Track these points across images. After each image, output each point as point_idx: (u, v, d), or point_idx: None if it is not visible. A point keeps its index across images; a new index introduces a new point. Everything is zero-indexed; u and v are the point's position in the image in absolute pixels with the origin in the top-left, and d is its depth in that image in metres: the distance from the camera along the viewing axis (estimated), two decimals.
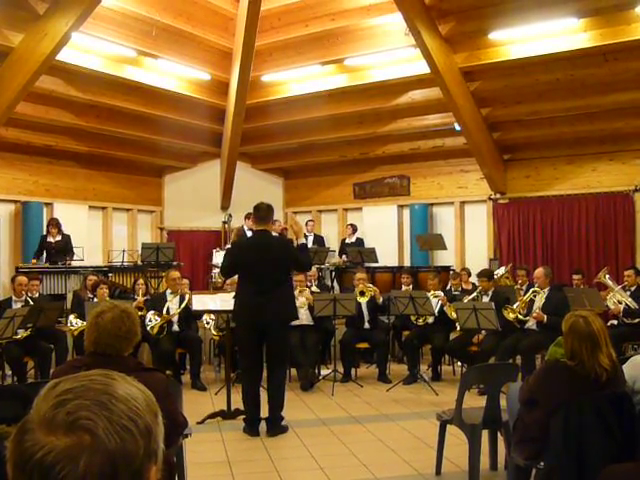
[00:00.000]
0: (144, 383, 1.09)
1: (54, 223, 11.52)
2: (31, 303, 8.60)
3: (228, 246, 9.06)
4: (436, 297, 9.31)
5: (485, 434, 5.12)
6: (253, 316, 6.35)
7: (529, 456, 3.96)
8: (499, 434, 5.19)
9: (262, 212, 6.61)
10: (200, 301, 8.59)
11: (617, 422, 3.69)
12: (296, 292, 9.28)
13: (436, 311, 9.17)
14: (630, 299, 9.09)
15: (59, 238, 11.46)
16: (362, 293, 9.29)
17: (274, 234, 13.29)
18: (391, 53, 11.74)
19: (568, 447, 3.65)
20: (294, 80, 13.08)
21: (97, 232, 13.68)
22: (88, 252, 11.86)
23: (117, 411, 0.99)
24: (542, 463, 3.86)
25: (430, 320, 9.24)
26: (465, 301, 8.83)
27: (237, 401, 6.84)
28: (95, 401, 0.98)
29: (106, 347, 3.08)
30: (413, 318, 9.31)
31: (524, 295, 8.83)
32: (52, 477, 0.92)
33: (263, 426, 6.41)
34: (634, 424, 3.73)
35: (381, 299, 9.44)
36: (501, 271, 11.01)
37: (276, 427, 6.40)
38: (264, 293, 6.30)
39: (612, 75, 10.61)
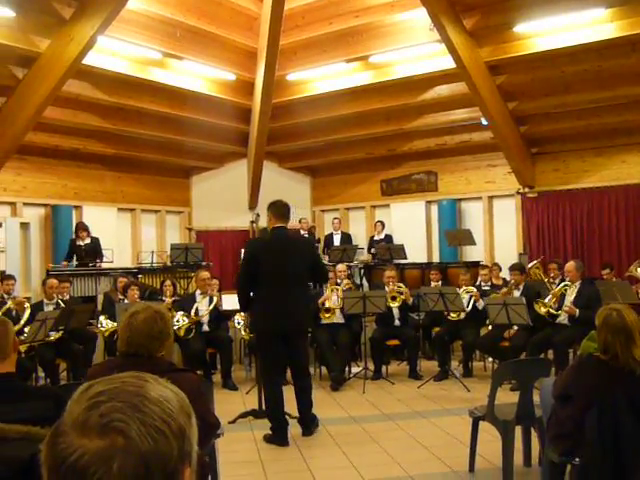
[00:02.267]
0: (176, 384, 1.09)
1: (82, 227, 11.64)
2: (62, 305, 8.70)
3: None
4: (468, 292, 9.26)
5: (518, 430, 5.08)
6: (276, 324, 6.08)
7: (564, 452, 3.91)
8: (532, 430, 5.15)
9: (280, 208, 6.29)
10: (230, 301, 8.64)
11: None
12: (327, 291, 9.32)
13: (468, 307, 9.12)
14: None
15: (88, 241, 11.57)
16: (394, 298, 9.26)
17: (302, 232, 13.52)
18: (416, 49, 11.68)
19: (603, 442, 3.61)
20: (319, 78, 13.07)
21: (126, 234, 13.80)
22: (117, 254, 11.97)
23: (150, 413, 0.98)
24: (577, 459, 3.82)
25: (462, 315, 9.18)
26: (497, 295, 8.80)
27: (252, 401, 6.87)
28: (128, 403, 0.98)
29: (138, 347, 3.10)
30: (445, 313, 9.24)
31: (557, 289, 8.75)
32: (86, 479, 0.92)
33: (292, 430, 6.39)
34: None
35: (411, 300, 9.37)
36: (532, 262, 10.90)
37: (312, 425, 6.37)
38: (286, 298, 6.06)
39: None
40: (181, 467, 1.00)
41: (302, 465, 5.43)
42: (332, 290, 9.33)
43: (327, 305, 9.22)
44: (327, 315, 9.18)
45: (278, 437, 6.07)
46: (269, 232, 6.39)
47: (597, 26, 9.99)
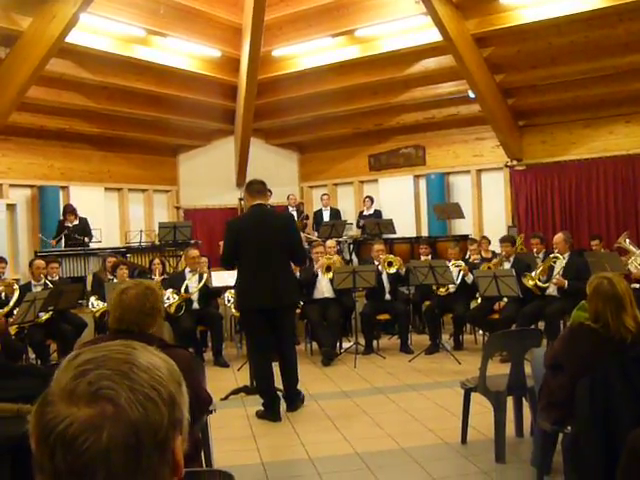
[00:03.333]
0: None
1: (70, 210, 11.54)
2: (50, 286, 8.66)
3: None
4: (457, 267, 9.27)
5: (510, 401, 5.10)
6: (260, 300, 6.07)
7: (556, 421, 3.93)
8: (524, 400, 5.18)
9: (255, 185, 6.28)
10: (219, 277, 8.64)
11: None
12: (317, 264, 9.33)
13: (457, 280, 9.13)
14: None
15: (76, 222, 11.49)
16: (390, 264, 9.26)
17: (290, 208, 13.50)
18: (402, 22, 11.59)
19: (595, 411, 3.62)
20: (305, 53, 12.98)
21: (114, 213, 13.74)
22: (106, 234, 11.92)
23: (139, 380, 0.96)
24: (569, 428, 3.84)
25: (451, 289, 9.19)
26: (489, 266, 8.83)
27: (243, 378, 6.88)
28: (116, 370, 0.96)
29: (130, 324, 3.09)
30: (434, 288, 9.25)
31: (542, 262, 8.78)
32: (75, 449, 0.90)
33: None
34: None
35: (404, 269, 9.39)
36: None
37: (296, 401, 6.37)
38: (269, 274, 6.04)
39: (627, 35, 10.42)
40: (172, 435, 0.99)
41: (295, 439, 5.45)
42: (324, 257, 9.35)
43: (326, 264, 9.21)
44: (329, 274, 9.17)
45: (270, 412, 6.08)
46: (249, 210, 6.37)
47: None
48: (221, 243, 6.92)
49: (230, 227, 6.40)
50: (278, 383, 6.33)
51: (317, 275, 9.27)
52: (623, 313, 3.72)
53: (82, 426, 0.91)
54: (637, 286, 9.17)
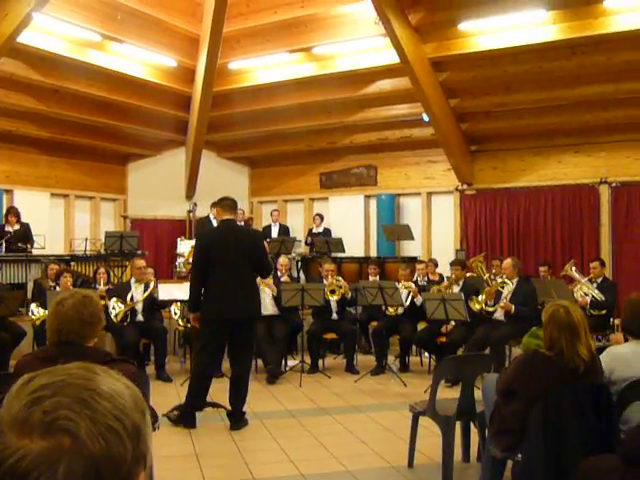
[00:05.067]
0: None
1: (13, 212, 11.20)
2: None
3: (193, 243, 8.53)
4: (407, 288, 9.26)
5: (457, 425, 5.06)
6: (223, 313, 6.15)
7: (506, 448, 3.90)
8: (472, 425, 5.15)
9: (228, 201, 6.47)
10: (167, 291, 8.48)
11: (595, 413, 3.66)
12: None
13: (406, 302, 9.12)
14: (597, 291, 9.16)
15: (17, 227, 11.15)
16: (332, 292, 9.20)
17: (240, 224, 13.38)
18: (360, 42, 11.60)
19: (546, 438, 3.61)
20: (261, 68, 12.90)
21: (59, 220, 13.38)
22: (50, 241, 11.58)
23: (101, 410, 0.86)
24: (519, 455, 3.81)
25: (400, 310, 9.17)
26: (439, 289, 8.84)
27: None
28: (76, 398, 0.86)
29: (69, 334, 2.95)
30: (383, 308, 9.21)
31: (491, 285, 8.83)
32: None
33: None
34: (611, 415, 3.70)
35: (349, 294, 9.34)
36: (475, 257, 10.93)
37: (241, 421, 6.30)
38: (235, 287, 6.15)
39: (579, 68, 10.64)
40: (135, 470, 0.89)
41: (239, 459, 5.31)
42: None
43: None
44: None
45: (188, 419, 6.18)
46: (219, 224, 6.54)
47: (539, 28, 10.12)
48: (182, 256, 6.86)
49: (200, 241, 6.53)
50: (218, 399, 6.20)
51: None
52: (577, 342, 3.72)
53: (36, 460, 0.80)
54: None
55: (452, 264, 9.45)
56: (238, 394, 6.32)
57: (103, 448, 0.83)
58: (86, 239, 11.58)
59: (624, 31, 9.56)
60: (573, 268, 9.59)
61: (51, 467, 0.80)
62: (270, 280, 9.12)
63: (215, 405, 6.70)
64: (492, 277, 9.36)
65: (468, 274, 9.83)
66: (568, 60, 10.50)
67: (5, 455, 0.81)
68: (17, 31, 9.36)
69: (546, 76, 10.95)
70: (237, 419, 6.27)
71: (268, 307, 9.14)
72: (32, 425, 0.83)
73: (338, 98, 12.84)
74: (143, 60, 12.26)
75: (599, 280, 9.42)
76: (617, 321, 9.12)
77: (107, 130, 13.34)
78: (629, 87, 10.52)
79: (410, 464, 5.14)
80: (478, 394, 5.05)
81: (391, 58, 11.11)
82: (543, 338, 3.86)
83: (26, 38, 9.98)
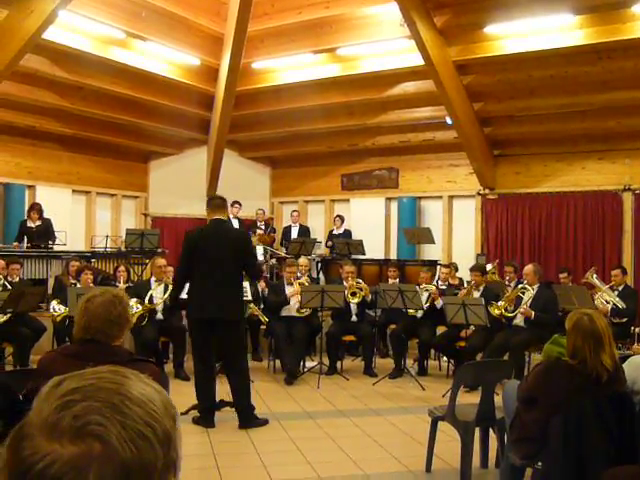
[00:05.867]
0: None
1: (37, 208, 11.30)
2: (9, 287, 8.41)
3: None
4: (427, 291, 9.21)
5: (476, 431, 5.02)
6: (203, 311, 6.23)
7: (526, 455, 3.87)
8: (491, 431, 5.11)
9: (216, 201, 6.55)
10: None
11: (617, 423, 3.61)
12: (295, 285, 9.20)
13: (425, 305, 9.07)
14: (618, 299, 9.07)
15: (39, 223, 11.23)
16: (353, 294, 9.17)
17: (258, 223, 13.41)
18: (384, 44, 11.57)
19: (567, 447, 3.56)
20: (285, 68, 12.90)
21: (80, 217, 13.47)
22: (71, 237, 11.64)
23: (132, 415, 0.85)
24: (539, 463, 3.77)
25: (419, 313, 9.13)
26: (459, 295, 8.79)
27: (222, 392, 6.72)
28: (107, 403, 0.85)
29: (96, 333, 2.94)
30: (404, 310, 9.15)
31: (511, 291, 8.78)
32: None
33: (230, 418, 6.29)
34: (634, 425, 3.65)
35: (370, 297, 9.30)
36: (488, 267, 10.88)
37: (248, 417, 6.30)
38: (215, 287, 6.17)
39: (605, 74, 10.52)
40: (166, 477, 0.87)
41: (257, 460, 5.30)
42: (299, 285, 9.18)
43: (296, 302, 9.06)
44: (303, 311, 9.03)
45: (204, 419, 6.26)
46: (208, 223, 6.57)
47: (566, 32, 10.04)
48: None
49: (187, 239, 6.51)
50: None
51: (288, 302, 9.14)
52: (601, 351, 3.67)
53: (65, 466, 0.79)
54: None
55: (472, 270, 9.38)
56: (235, 392, 6.38)
57: (134, 454, 0.82)
58: (107, 236, 11.63)
59: None
60: (594, 275, 9.51)
61: (81, 473, 0.79)
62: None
63: (231, 404, 6.71)
64: (507, 283, 9.32)
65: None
66: (594, 65, 10.40)
67: (34, 460, 0.80)
68: (42, 28, 9.40)
69: (571, 81, 10.85)
70: (242, 415, 6.30)
71: (291, 309, 9.14)
72: (62, 430, 0.82)
73: (361, 99, 12.81)
74: (167, 58, 12.29)
75: (620, 288, 9.33)
76: (638, 329, 9.02)
77: (130, 128, 13.41)
78: None
79: (428, 469, 5.10)
80: (497, 400, 5.02)
81: (415, 60, 11.06)
82: (566, 346, 3.81)
83: (51, 35, 10.03)
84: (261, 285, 9.72)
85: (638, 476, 3.12)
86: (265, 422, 6.39)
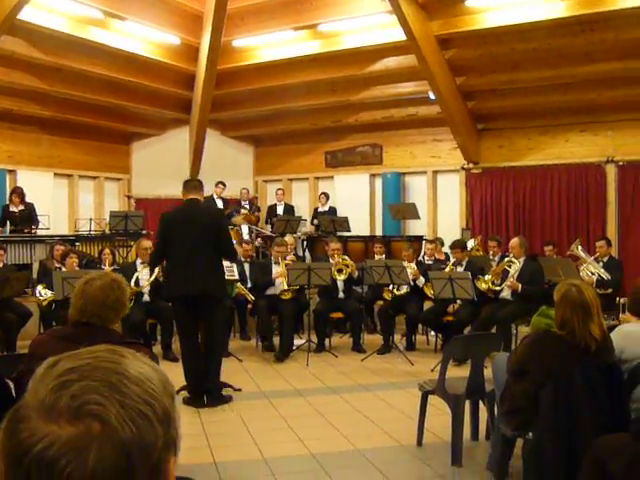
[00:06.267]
0: None
1: (18, 192, 11.19)
2: None
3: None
4: (408, 269, 9.21)
5: (466, 404, 5.05)
6: (182, 289, 6.31)
7: (517, 427, 3.89)
8: (481, 404, 5.14)
9: (192, 182, 6.77)
10: None
11: (606, 392, 3.64)
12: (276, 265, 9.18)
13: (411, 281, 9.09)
14: (602, 270, 9.13)
15: (22, 207, 11.13)
16: (340, 271, 9.17)
17: (242, 202, 13.38)
18: (366, 19, 11.48)
19: (558, 417, 3.59)
20: (266, 45, 12.79)
21: (63, 200, 13.37)
22: (54, 221, 11.55)
23: (131, 394, 0.83)
24: (530, 434, 3.80)
25: (405, 290, 9.14)
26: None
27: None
28: (105, 382, 0.83)
29: (92, 316, 2.92)
30: (387, 294, 9.16)
31: (497, 265, 8.82)
32: (55, 473, 0.77)
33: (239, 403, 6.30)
34: (623, 394, 3.68)
35: (357, 273, 9.31)
36: (470, 243, 10.90)
37: (214, 397, 6.38)
38: (192, 265, 6.24)
39: (588, 45, 10.50)
40: (166, 457, 0.86)
41: (248, 439, 5.32)
42: (285, 265, 9.16)
43: (283, 284, 9.03)
44: (287, 294, 9.01)
45: (194, 399, 6.32)
46: (184, 203, 6.62)
47: (548, 4, 10.00)
48: None
49: (162, 219, 6.59)
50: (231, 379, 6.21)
51: (273, 284, 9.13)
52: (590, 321, 3.69)
53: (64, 447, 0.77)
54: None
55: (452, 247, 9.38)
56: (209, 371, 6.41)
57: (134, 434, 0.81)
58: (90, 219, 11.55)
59: (633, 7, 9.42)
60: (579, 247, 9.56)
61: (81, 454, 0.78)
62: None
63: (231, 386, 6.75)
64: (492, 258, 9.37)
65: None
66: (576, 37, 10.38)
67: (32, 441, 0.78)
68: (17, 8, 9.25)
69: (554, 54, 10.82)
70: (212, 395, 6.36)
71: (277, 287, 9.13)
72: (60, 410, 0.80)
73: (343, 76, 12.73)
74: (146, 38, 12.14)
75: (605, 259, 9.40)
76: (623, 300, 9.11)
77: (110, 109, 13.27)
78: (637, 65, 10.36)
79: (419, 443, 5.13)
80: (487, 373, 5.05)
81: (397, 35, 10.99)
82: (555, 317, 3.83)
83: (26, 15, 9.89)
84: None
85: (627, 443, 3.14)
86: (230, 399, 6.48)
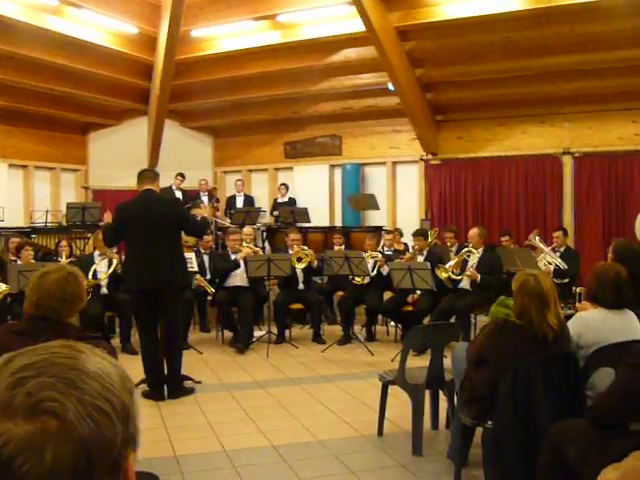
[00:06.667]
0: None
1: None
2: None
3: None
4: (373, 258, 9.26)
5: (426, 394, 5.09)
6: (142, 282, 6.27)
7: (477, 415, 3.94)
8: (440, 393, 5.19)
9: (146, 172, 6.67)
10: None
11: (563, 380, 3.70)
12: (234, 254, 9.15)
13: (372, 272, 9.13)
14: (560, 260, 9.27)
15: None
16: (299, 259, 9.17)
17: (201, 193, 13.28)
18: (325, 10, 11.43)
19: (516, 405, 3.64)
20: (225, 36, 12.66)
21: (18, 192, 13.11)
22: (8, 213, 11.35)
23: (89, 390, 0.81)
24: (490, 422, 3.85)
25: (366, 279, 9.18)
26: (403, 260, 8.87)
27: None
28: (61, 378, 0.81)
29: (47, 310, 2.86)
30: (350, 278, 9.19)
31: (456, 255, 8.90)
32: (12, 473, 0.74)
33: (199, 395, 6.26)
34: (579, 381, 3.75)
35: (316, 262, 9.33)
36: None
37: (176, 389, 6.36)
38: (152, 257, 6.21)
39: (544, 39, 10.60)
40: (125, 453, 0.84)
41: (209, 431, 5.30)
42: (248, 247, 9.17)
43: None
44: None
45: (153, 393, 6.28)
46: (138, 194, 6.54)
47: None
48: None
49: (118, 210, 6.54)
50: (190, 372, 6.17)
51: (239, 266, 9.09)
52: (547, 311, 3.75)
53: (20, 445, 0.75)
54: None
55: (414, 235, 9.47)
56: (168, 361, 6.40)
57: (92, 430, 0.79)
58: (47, 211, 11.39)
59: (589, 1, 9.55)
60: (537, 237, 9.69)
61: (37, 452, 0.76)
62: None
63: (192, 379, 6.72)
64: (449, 248, 9.46)
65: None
66: (533, 30, 10.47)
67: None
68: None
69: (511, 46, 10.91)
70: (172, 387, 6.34)
71: (237, 278, 9.10)
72: (15, 408, 0.78)
73: (303, 67, 12.67)
74: (103, 27, 11.93)
75: (562, 249, 9.56)
76: (579, 289, 9.26)
77: (66, 99, 13.03)
78: (592, 58, 10.52)
79: (380, 433, 5.17)
80: (446, 362, 5.10)
81: (357, 26, 10.96)
82: (513, 307, 3.89)
83: None
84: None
85: (583, 430, 3.20)
86: (192, 390, 6.48)
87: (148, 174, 6.61)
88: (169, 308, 6.40)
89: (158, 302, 6.32)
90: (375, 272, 9.19)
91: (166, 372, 6.40)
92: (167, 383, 6.36)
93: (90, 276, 8.34)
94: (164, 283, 6.27)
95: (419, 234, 9.42)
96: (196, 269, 8.86)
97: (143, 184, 6.47)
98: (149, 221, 6.25)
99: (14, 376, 0.81)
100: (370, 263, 9.16)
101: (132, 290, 6.60)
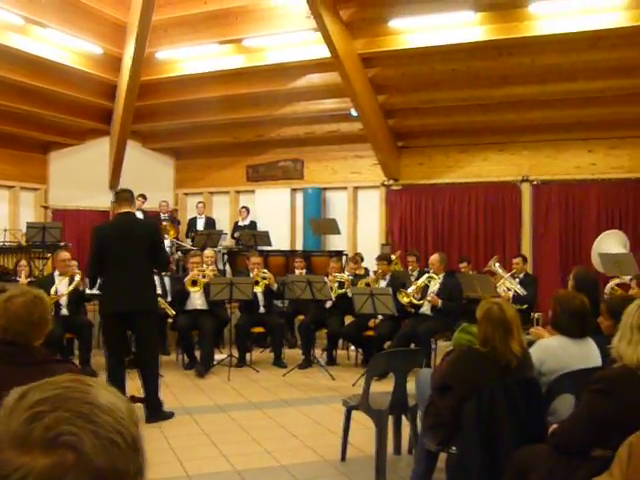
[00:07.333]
0: (55, 375, 0.95)
1: None
2: None
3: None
4: (340, 279, 9.31)
5: (389, 419, 5.13)
6: (117, 305, 6.26)
7: (441, 441, 3.99)
8: (403, 418, 5.23)
9: (123, 194, 6.57)
10: None
11: (526, 406, 3.78)
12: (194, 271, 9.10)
13: (333, 296, 9.17)
14: (519, 286, 9.42)
15: None
16: (257, 283, 9.17)
17: (161, 215, 13.22)
18: (291, 35, 11.54)
19: (480, 431, 3.70)
20: (190, 58, 12.68)
21: None
22: None
23: (103, 423, 0.84)
24: (454, 448, 3.90)
25: (328, 304, 9.23)
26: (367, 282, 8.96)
27: (131, 387, 6.63)
28: (77, 412, 0.84)
29: (15, 335, 2.83)
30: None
31: (417, 280, 8.99)
32: None
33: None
34: (541, 408, 3.83)
35: (275, 285, 9.35)
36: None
37: (157, 412, 6.31)
38: (128, 280, 6.20)
39: (505, 69, 10.88)
40: None
41: (171, 456, 5.26)
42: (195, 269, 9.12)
43: (192, 278, 8.97)
44: (194, 288, 8.93)
45: None
46: (116, 217, 6.61)
47: (467, 28, 10.29)
48: None
49: (97, 234, 6.54)
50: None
51: (188, 293, 9.05)
52: (510, 338, 3.83)
53: (39, 477, 0.78)
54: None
55: (378, 259, 9.57)
56: (146, 385, 6.36)
57: (107, 463, 0.82)
58: (5, 230, 11.22)
59: (548, 35, 9.84)
60: (497, 264, 9.85)
61: None
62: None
63: (137, 400, 6.63)
64: (410, 273, 9.58)
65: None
66: (495, 60, 10.73)
67: (4, 474, 0.78)
68: None
69: (473, 75, 11.15)
70: (152, 409, 6.28)
71: (197, 302, 9.07)
72: (33, 441, 0.80)
73: (267, 91, 12.75)
74: (67, 46, 11.86)
75: (521, 275, 9.73)
76: (537, 315, 9.44)
77: (28, 117, 12.88)
78: (552, 89, 10.83)
79: (343, 457, 5.18)
80: (408, 387, 5.15)
81: (321, 52, 11.08)
82: (477, 334, 3.96)
83: None
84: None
85: (545, 455, 3.28)
86: (171, 415, 6.41)
87: (126, 196, 6.54)
88: (145, 331, 6.39)
89: (132, 325, 6.33)
90: (343, 291, 9.23)
91: (144, 395, 6.34)
92: (146, 406, 6.28)
93: (52, 293, 8.24)
94: (141, 305, 6.27)
95: (383, 258, 9.52)
96: (159, 291, 8.81)
97: (122, 206, 6.46)
98: (127, 246, 6.24)
99: (30, 410, 0.83)
100: (335, 285, 9.22)
101: (107, 314, 6.49)
